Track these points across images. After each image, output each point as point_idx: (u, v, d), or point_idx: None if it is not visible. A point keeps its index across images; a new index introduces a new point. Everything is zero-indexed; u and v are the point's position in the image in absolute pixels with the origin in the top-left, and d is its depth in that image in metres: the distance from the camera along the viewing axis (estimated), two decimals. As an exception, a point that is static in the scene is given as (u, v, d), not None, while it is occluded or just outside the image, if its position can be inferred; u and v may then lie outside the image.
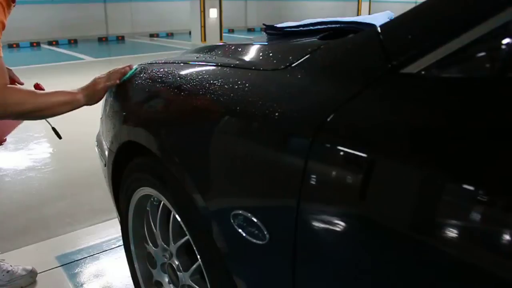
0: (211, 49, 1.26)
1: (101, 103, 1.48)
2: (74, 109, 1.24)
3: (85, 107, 1.27)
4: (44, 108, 1.18)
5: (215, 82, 0.95)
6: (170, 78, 1.10)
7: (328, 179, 0.68)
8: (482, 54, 0.63)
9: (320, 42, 0.93)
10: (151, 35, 12.80)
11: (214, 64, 1.07)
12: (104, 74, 1.29)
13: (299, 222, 0.70)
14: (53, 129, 1.49)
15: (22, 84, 1.52)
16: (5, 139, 1.58)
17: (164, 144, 1.06)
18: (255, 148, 0.81)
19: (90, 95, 1.25)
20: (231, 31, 13.72)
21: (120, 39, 12.29)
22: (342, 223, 0.66)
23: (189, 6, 10.31)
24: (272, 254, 0.79)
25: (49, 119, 1.44)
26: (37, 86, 1.50)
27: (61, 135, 1.49)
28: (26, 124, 3.96)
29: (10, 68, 1.53)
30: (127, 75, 1.28)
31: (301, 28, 1.18)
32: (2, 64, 1.17)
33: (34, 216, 2.41)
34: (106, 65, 8.11)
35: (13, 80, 1.52)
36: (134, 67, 1.30)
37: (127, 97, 1.27)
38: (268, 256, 0.80)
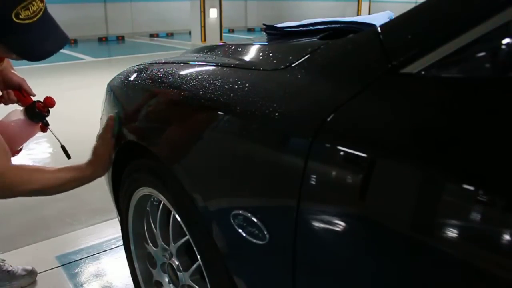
0: (211, 49, 1.26)
1: (101, 103, 1.48)
2: (84, 184, 1.18)
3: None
4: (52, 185, 1.13)
5: (215, 82, 0.95)
6: (170, 78, 1.10)
7: (328, 179, 0.68)
8: (482, 54, 0.63)
9: (320, 42, 0.93)
10: (151, 35, 12.79)
11: (214, 64, 1.07)
12: (97, 141, 1.23)
13: (299, 222, 0.70)
14: (63, 147, 1.43)
15: (34, 95, 1.45)
16: (21, 149, 1.51)
17: (163, 144, 1.06)
18: (255, 148, 0.81)
19: (98, 170, 1.20)
20: (231, 31, 13.72)
21: (120, 39, 12.28)
22: (342, 223, 0.66)
23: (189, 6, 10.30)
24: (272, 254, 0.79)
25: (56, 134, 1.40)
26: (47, 100, 1.42)
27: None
28: (26, 124, 3.89)
29: (23, 77, 1.46)
30: (116, 126, 1.22)
31: (301, 28, 1.18)
32: (2, 142, 1.09)
33: (34, 216, 2.40)
34: (106, 65, 8.11)
35: (25, 91, 1.45)
36: (114, 116, 1.24)
37: (127, 97, 1.27)
38: (268, 256, 0.80)
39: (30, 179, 1.09)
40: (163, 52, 9.17)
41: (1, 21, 0.99)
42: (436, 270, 0.55)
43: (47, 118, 1.44)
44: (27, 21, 1.02)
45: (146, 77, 1.21)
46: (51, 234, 2.18)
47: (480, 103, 0.57)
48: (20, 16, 1.00)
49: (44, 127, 1.44)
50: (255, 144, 0.81)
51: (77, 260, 1.94)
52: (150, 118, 1.12)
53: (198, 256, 1.02)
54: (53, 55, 1.12)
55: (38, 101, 1.42)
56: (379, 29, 0.73)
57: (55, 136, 1.43)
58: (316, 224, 0.69)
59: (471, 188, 0.52)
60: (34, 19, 1.03)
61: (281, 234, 0.75)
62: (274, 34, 1.25)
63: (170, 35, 13.21)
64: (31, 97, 1.46)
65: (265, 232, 0.77)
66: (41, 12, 1.05)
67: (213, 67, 1.05)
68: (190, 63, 1.18)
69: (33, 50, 1.08)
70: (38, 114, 1.39)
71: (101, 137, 1.22)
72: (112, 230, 2.19)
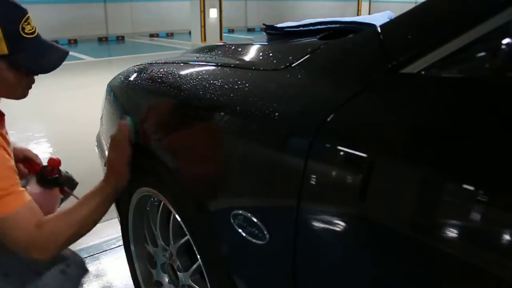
0: (211, 49, 1.26)
1: (101, 103, 1.48)
2: (112, 202, 1.13)
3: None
4: (84, 219, 1.05)
5: (215, 82, 0.95)
6: (170, 78, 1.10)
7: (328, 179, 0.68)
8: (482, 54, 0.63)
9: (320, 42, 0.93)
10: (151, 35, 12.80)
11: (214, 64, 1.07)
12: (111, 151, 1.13)
13: (299, 222, 0.70)
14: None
15: (39, 163, 1.36)
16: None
17: (163, 143, 1.06)
18: (255, 148, 0.81)
19: (118, 182, 1.12)
20: (231, 31, 13.72)
21: (120, 39, 12.29)
22: (342, 223, 0.66)
23: (189, 6, 10.30)
24: (272, 254, 0.79)
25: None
26: (51, 162, 1.34)
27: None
28: (26, 124, 3.95)
29: (27, 148, 1.38)
30: (133, 133, 1.11)
31: (301, 28, 1.19)
32: (28, 200, 1.00)
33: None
34: (106, 65, 8.10)
35: (31, 160, 1.36)
36: (128, 119, 1.13)
37: (127, 97, 1.27)
38: (268, 256, 0.80)
39: (61, 226, 1.02)
40: (163, 52, 9.17)
41: (12, 37, 1.00)
42: (436, 270, 0.55)
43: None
44: (31, 36, 1.04)
45: (146, 77, 1.21)
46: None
47: (480, 103, 0.57)
48: (25, 30, 1.02)
49: (62, 189, 1.35)
50: (255, 144, 0.81)
51: (77, 260, 1.94)
52: (149, 118, 1.12)
53: (198, 256, 1.02)
54: (59, 66, 1.12)
55: (45, 166, 1.34)
56: (379, 29, 0.73)
57: (73, 195, 1.35)
58: (316, 224, 0.69)
59: (471, 188, 0.52)
60: (35, 33, 1.05)
61: (281, 234, 0.75)
62: (274, 34, 1.25)
63: (170, 35, 13.21)
64: (39, 163, 1.37)
65: (265, 232, 0.77)
66: (36, 29, 1.07)
67: (213, 67, 1.05)
68: (190, 63, 1.18)
69: (42, 62, 1.08)
70: (50, 180, 1.33)
71: (115, 148, 1.12)
72: (112, 230, 2.18)
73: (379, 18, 1.09)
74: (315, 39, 1.03)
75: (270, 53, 0.98)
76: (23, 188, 1.00)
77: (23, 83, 1.08)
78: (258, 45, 1.09)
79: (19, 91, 1.09)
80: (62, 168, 1.35)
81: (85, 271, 1.24)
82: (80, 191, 1.32)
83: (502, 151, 0.51)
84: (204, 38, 10.03)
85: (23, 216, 0.98)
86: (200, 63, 1.17)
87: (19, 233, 0.97)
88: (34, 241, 0.99)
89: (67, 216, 1.05)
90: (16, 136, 3.73)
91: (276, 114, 0.76)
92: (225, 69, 1.01)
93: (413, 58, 0.64)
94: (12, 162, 1.00)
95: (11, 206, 0.96)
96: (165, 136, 1.06)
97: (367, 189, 0.62)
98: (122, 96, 1.30)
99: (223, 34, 10.54)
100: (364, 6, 14.96)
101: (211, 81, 0.96)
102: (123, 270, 1.81)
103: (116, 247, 2.04)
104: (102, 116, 1.50)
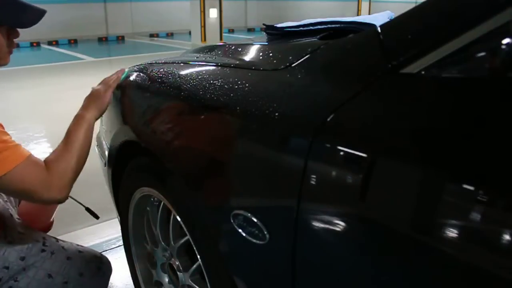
0: (211, 49, 1.26)
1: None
2: (93, 127, 1.18)
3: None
4: (79, 148, 1.10)
5: (215, 82, 0.95)
6: (170, 78, 1.10)
7: (328, 179, 0.68)
8: (482, 54, 0.63)
9: (320, 42, 0.93)
10: (151, 35, 12.81)
11: (214, 64, 1.07)
12: (100, 85, 1.24)
13: (299, 222, 0.70)
14: (87, 209, 1.38)
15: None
16: (53, 220, 1.49)
17: (163, 143, 1.06)
18: (255, 148, 0.81)
19: (97, 112, 1.19)
20: (231, 31, 13.73)
21: (120, 39, 12.30)
22: (342, 223, 0.66)
23: (189, 6, 10.31)
24: (272, 254, 0.79)
25: (77, 198, 1.35)
26: None
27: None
28: (26, 124, 3.94)
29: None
30: (122, 77, 1.25)
31: (301, 28, 1.19)
32: (27, 151, 1.05)
33: (34, 216, 2.40)
34: (106, 65, 8.10)
35: None
36: (126, 70, 1.28)
37: (127, 97, 1.27)
38: (268, 256, 0.80)
39: (64, 160, 1.07)
40: (163, 52, 9.17)
41: None
42: (436, 271, 0.55)
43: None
44: None
45: (146, 77, 1.21)
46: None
47: (480, 103, 0.57)
48: None
49: None
50: (255, 144, 0.81)
51: (77, 260, 1.93)
52: (150, 118, 1.12)
53: (198, 256, 1.02)
54: (37, 22, 1.12)
55: None
56: (379, 29, 0.73)
57: (76, 201, 1.37)
58: (316, 224, 0.69)
59: (471, 188, 0.52)
60: None
61: (281, 234, 0.75)
62: (274, 34, 1.25)
63: (170, 35, 13.22)
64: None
65: (265, 232, 0.77)
66: None
67: (213, 67, 1.05)
68: (190, 63, 1.18)
69: (21, 17, 1.09)
70: None
71: (103, 84, 1.24)
72: (112, 230, 2.18)
73: (379, 18, 1.09)
74: (315, 39, 1.03)
75: (270, 53, 0.98)
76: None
77: (5, 44, 1.09)
78: (258, 45, 1.09)
79: (2, 53, 1.09)
80: None
81: (111, 268, 1.32)
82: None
83: (502, 151, 0.51)
84: (204, 38, 10.04)
85: (31, 165, 1.02)
86: (200, 63, 1.17)
87: (32, 181, 1.01)
88: (49, 183, 1.04)
89: (64, 151, 1.10)
90: (16, 136, 3.71)
91: (276, 114, 0.76)
92: (225, 69, 1.01)
93: (413, 58, 0.64)
94: None
95: (15, 159, 0.99)
96: (165, 136, 1.06)
97: (367, 189, 0.62)
98: (122, 96, 1.30)
99: (223, 34, 10.54)
100: (364, 6, 14.96)
101: (211, 81, 0.96)
102: (123, 270, 1.81)
103: (116, 247, 2.04)
104: (102, 116, 1.50)
